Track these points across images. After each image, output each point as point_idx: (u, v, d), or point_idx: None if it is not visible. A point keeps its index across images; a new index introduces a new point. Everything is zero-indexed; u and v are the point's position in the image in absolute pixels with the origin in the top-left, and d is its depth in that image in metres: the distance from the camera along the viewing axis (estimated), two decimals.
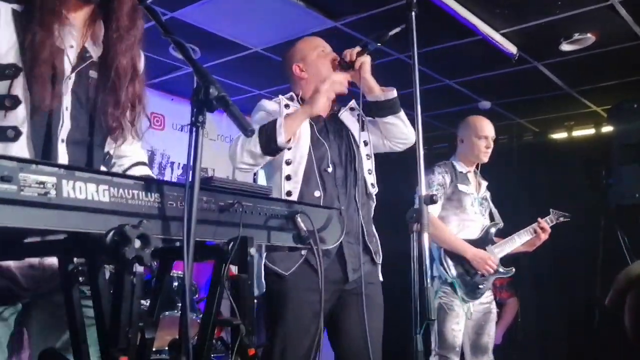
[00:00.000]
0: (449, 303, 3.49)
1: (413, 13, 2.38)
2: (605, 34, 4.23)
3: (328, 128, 2.83)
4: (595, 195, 5.42)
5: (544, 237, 3.74)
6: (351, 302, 2.69)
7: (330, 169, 2.72)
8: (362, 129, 2.90)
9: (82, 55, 1.65)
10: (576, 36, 4.26)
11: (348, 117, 2.94)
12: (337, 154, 2.79)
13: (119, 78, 1.67)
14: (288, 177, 2.66)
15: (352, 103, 3.01)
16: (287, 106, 2.78)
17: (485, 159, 3.83)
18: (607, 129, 5.94)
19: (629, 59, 4.61)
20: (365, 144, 2.89)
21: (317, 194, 2.67)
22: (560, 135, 6.63)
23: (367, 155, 2.88)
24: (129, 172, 1.90)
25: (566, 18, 3.98)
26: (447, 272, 3.50)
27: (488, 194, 3.88)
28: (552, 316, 6.16)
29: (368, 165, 2.86)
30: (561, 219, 3.95)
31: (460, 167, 3.78)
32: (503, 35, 4.31)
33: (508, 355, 5.75)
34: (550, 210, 3.94)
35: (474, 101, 5.81)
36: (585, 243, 5.62)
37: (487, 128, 3.86)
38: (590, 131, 6.35)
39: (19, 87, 1.52)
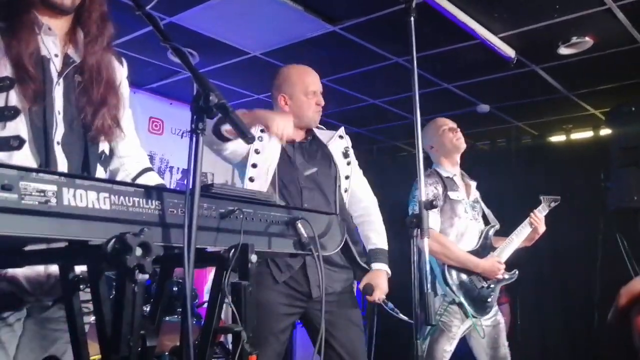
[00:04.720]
0: (447, 322, 3.39)
1: (412, 18, 2.38)
2: (603, 37, 4.23)
3: (296, 153, 2.84)
4: (593, 198, 5.42)
5: (541, 228, 3.67)
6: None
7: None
8: (347, 164, 2.94)
9: (66, 61, 1.74)
10: (574, 40, 4.26)
11: (334, 143, 2.97)
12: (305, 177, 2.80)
13: (94, 79, 1.77)
14: (251, 179, 2.70)
15: (341, 131, 3.03)
16: (262, 130, 2.72)
17: (463, 146, 3.74)
18: (605, 132, 5.96)
19: (627, 62, 4.61)
20: (347, 177, 2.93)
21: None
22: (558, 139, 6.64)
23: (345, 188, 2.91)
24: (138, 181, 1.94)
25: (564, 22, 3.99)
26: (453, 293, 3.40)
27: (478, 194, 3.79)
28: (551, 319, 6.16)
29: (343, 189, 2.90)
30: (553, 204, 3.84)
31: (445, 172, 3.67)
32: (501, 38, 4.32)
33: None
34: (540, 197, 3.82)
35: (472, 105, 5.82)
36: (584, 246, 5.62)
37: (447, 120, 3.84)
38: (589, 134, 6.35)
39: (15, 98, 1.58)
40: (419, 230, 2.15)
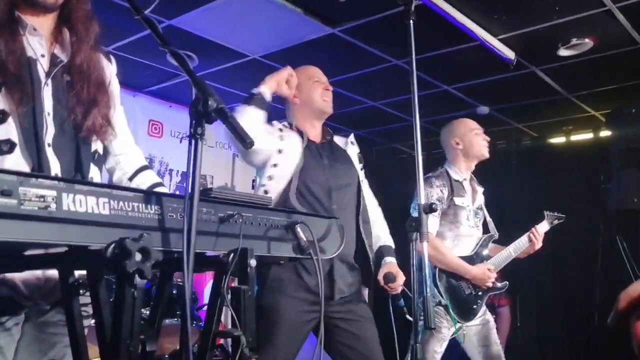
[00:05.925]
0: (437, 324, 3.38)
1: (411, 20, 2.38)
2: (603, 39, 4.23)
3: (321, 153, 2.86)
4: (593, 200, 5.42)
5: (539, 245, 3.66)
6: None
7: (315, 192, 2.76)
8: (361, 169, 2.99)
9: (54, 61, 1.71)
10: (574, 41, 4.26)
11: (350, 148, 3.02)
12: (332, 177, 2.81)
13: (83, 78, 1.74)
14: (270, 177, 2.70)
15: (352, 138, 3.08)
16: (280, 130, 2.81)
17: (487, 154, 3.70)
18: (605, 133, 5.96)
19: (627, 64, 4.62)
20: (361, 181, 2.96)
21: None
22: (558, 140, 6.64)
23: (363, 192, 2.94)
24: (136, 179, 1.95)
25: (564, 23, 3.99)
26: (440, 295, 3.41)
27: (483, 201, 3.76)
28: (551, 321, 6.16)
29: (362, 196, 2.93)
30: (556, 222, 3.83)
31: (457, 174, 3.63)
32: (501, 40, 4.32)
33: None
34: (545, 213, 3.81)
35: (472, 106, 5.82)
36: (584, 248, 5.62)
37: (477, 125, 3.77)
38: (589, 136, 6.36)
39: (2, 101, 1.56)
40: (418, 234, 2.15)
